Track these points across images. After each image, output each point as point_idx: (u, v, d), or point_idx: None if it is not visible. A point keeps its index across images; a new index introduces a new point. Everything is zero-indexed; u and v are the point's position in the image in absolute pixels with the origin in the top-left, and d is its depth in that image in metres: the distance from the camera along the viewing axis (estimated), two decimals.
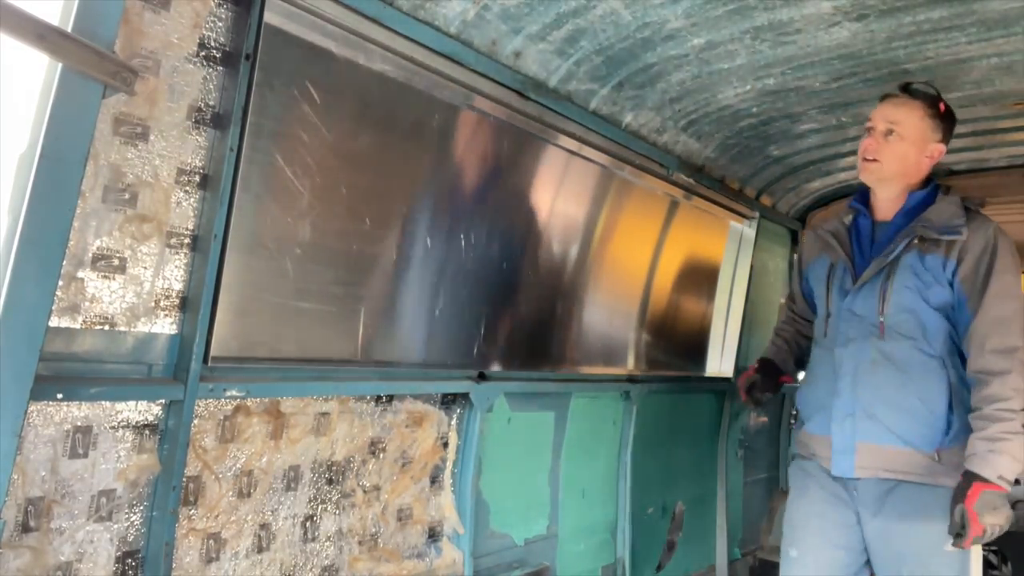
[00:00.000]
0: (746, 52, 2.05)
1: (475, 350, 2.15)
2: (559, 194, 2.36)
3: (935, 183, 1.93)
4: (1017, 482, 1.70)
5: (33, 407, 1.26)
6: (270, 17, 1.50)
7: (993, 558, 3.12)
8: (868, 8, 1.77)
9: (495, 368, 2.21)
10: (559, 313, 2.47)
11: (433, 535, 2.12)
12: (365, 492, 1.91)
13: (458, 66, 1.90)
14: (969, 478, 1.65)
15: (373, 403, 1.92)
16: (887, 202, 1.93)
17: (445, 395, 2.12)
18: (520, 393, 2.33)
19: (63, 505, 1.34)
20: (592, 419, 2.67)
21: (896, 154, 1.85)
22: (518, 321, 2.30)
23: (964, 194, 1.89)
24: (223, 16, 1.49)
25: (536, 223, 2.30)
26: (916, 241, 1.81)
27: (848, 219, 2.03)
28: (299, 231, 1.63)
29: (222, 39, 1.50)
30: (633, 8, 1.85)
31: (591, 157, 2.40)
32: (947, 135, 1.90)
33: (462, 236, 2.05)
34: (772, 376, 2.23)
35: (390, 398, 1.96)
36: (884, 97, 1.90)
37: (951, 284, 1.78)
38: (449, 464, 2.14)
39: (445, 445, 2.13)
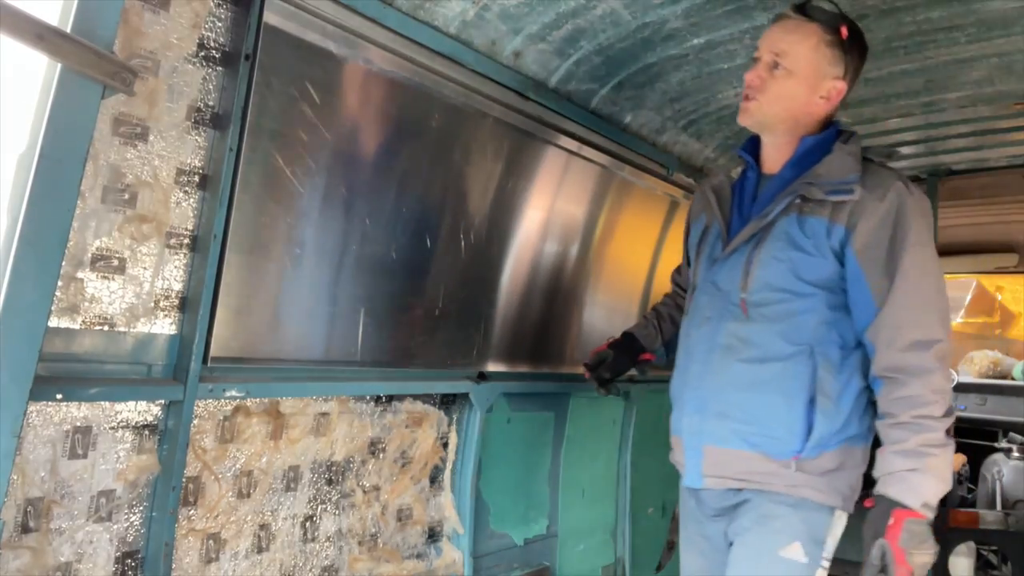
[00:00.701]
0: (746, 52, 2.05)
1: (475, 350, 2.15)
2: (559, 194, 2.36)
3: (836, 127, 1.56)
4: None
5: (32, 407, 1.26)
6: (270, 17, 1.50)
7: (993, 558, 3.12)
8: (868, 8, 1.77)
9: (495, 368, 2.21)
10: (559, 313, 2.47)
11: (433, 535, 2.12)
12: (365, 492, 1.91)
13: (458, 66, 1.90)
14: (886, 505, 1.32)
15: (373, 403, 1.92)
16: (775, 150, 1.57)
17: (445, 395, 2.12)
18: (520, 393, 2.33)
19: (63, 506, 1.34)
20: (592, 419, 2.67)
21: (780, 93, 1.49)
22: (518, 321, 2.30)
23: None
24: (222, 16, 1.49)
25: (536, 223, 2.30)
26: (798, 201, 1.46)
27: (737, 172, 1.68)
28: (299, 231, 1.63)
29: (221, 39, 1.50)
30: (633, 8, 1.85)
31: (591, 157, 2.39)
32: (851, 70, 1.51)
33: (462, 236, 2.05)
34: (630, 353, 1.87)
35: (390, 398, 1.96)
36: (777, 18, 1.55)
37: (840, 257, 1.42)
38: (449, 464, 2.14)
39: (445, 445, 2.13)
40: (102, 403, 1.38)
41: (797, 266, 1.45)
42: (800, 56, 1.48)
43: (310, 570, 1.78)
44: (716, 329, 1.54)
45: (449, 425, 2.14)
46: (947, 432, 1.33)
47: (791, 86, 1.49)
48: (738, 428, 1.48)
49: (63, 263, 1.11)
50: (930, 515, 1.31)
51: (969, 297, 6.26)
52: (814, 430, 1.42)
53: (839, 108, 1.56)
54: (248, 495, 1.64)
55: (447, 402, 2.14)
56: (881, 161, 1.52)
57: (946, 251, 3.80)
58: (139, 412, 1.45)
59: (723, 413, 1.50)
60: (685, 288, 1.91)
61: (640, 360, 1.94)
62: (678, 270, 2.01)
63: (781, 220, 1.47)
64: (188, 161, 1.48)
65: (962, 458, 4.22)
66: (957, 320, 6.29)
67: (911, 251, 1.38)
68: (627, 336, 1.94)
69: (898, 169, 1.50)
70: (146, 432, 1.46)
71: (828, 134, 1.53)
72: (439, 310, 2.01)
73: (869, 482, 1.47)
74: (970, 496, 4.05)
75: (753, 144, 1.64)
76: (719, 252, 1.58)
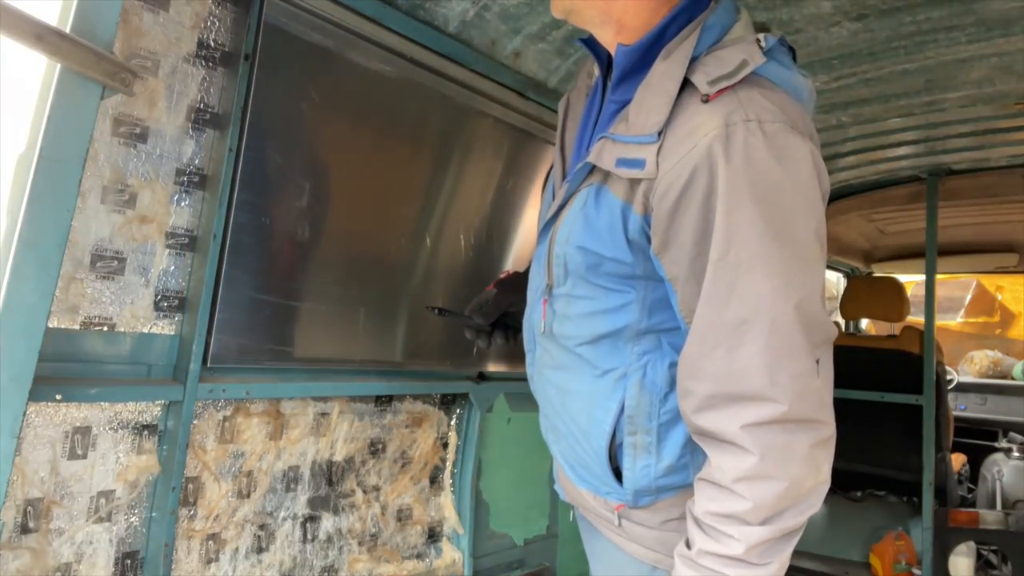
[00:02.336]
0: None
1: (475, 350, 2.14)
2: None
3: (683, 12, 0.98)
4: None
5: (32, 408, 1.26)
6: (270, 17, 1.50)
7: (993, 558, 3.12)
8: (868, 8, 1.77)
9: (495, 368, 2.21)
10: None
11: (433, 535, 2.12)
12: (365, 492, 1.91)
13: (457, 66, 1.90)
14: None
15: (373, 403, 1.92)
16: (611, 54, 1.07)
17: (445, 395, 2.12)
18: (520, 393, 2.33)
19: (62, 506, 1.34)
20: None
21: None
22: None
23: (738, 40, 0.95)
24: (222, 16, 1.49)
25: (536, 222, 2.29)
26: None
27: (597, 73, 1.15)
28: (299, 231, 1.63)
29: (221, 39, 1.50)
30: None
31: None
32: None
33: (462, 235, 2.05)
34: (524, 290, 1.27)
35: (390, 398, 1.96)
36: None
37: (647, 254, 0.96)
38: (449, 464, 2.14)
39: (445, 445, 2.13)
40: (102, 403, 1.38)
41: (592, 255, 1.01)
42: None
43: (310, 570, 1.78)
44: (532, 320, 1.18)
45: (449, 425, 2.14)
46: (770, 545, 0.86)
47: None
48: (566, 452, 1.14)
49: (63, 263, 1.11)
50: None
51: (969, 297, 6.27)
52: (625, 476, 1.03)
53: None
54: (248, 495, 1.64)
55: (447, 402, 2.14)
56: (713, 89, 0.89)
57: (946, 251, 3.81)
58: (139, 412, 1.45)
59: (554, 427, 1.16)
60: None
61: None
62: None
63: (586, 186, 1.03)
64: (188, 161, 1.47)
65: (962, 458, 4.23)
66: (957, 320, 6.29)
67: (717, 253, 0.87)
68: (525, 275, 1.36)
69: (745, 94, 0.89)
70: (146, 432, 1.46)
71: (651, 36, 0.98)
72: (439, 310, 2.01)
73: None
74: (970, 496, 4.06)
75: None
76: (550, 209, 1.12)
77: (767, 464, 0.84)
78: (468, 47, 1.90)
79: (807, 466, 0.85)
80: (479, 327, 1.39)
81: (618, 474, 1.04)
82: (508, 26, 1.89)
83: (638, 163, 0.93)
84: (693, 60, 0.94)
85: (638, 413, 1.01)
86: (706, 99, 0.89)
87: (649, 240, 0.95)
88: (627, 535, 1.07)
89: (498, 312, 1.38)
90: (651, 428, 1.01)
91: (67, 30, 1.04)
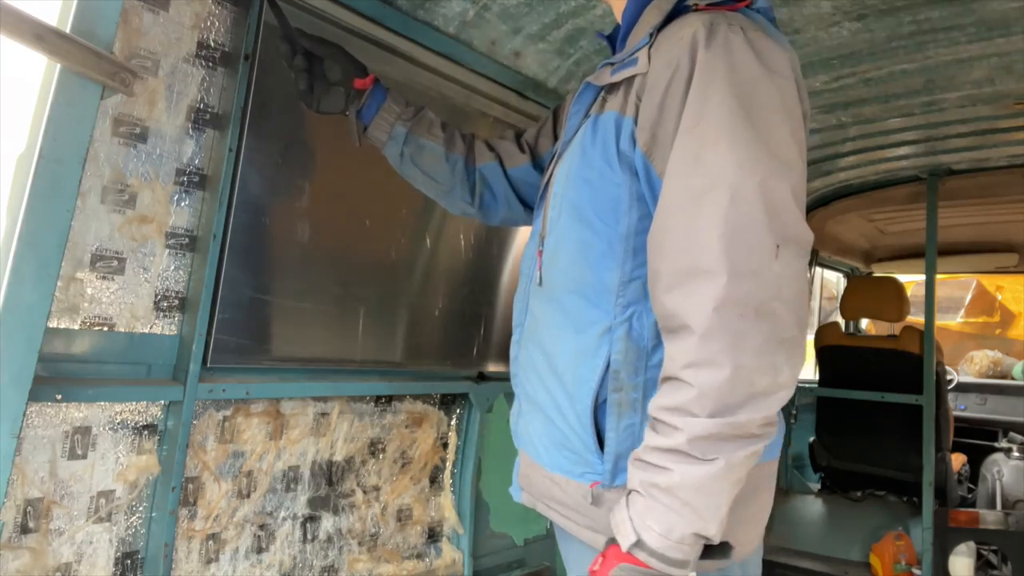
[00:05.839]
0: None
1: (475, 350, 2.15)
2: None
3: None
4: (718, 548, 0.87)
5: (32, 408, 1.26)
6: (270, 17, 1.50)
7: (993, 558, 3.12)
8: (868, 8, 1.77)
9: (495, 368, 2.21)
10: None
11: (433, 535, 2.12)
12: (365, 492, 1.91)
13: (457, 66, 1.90)
14: (609, 539, 0.89)
15: (373, 403, 1.92)
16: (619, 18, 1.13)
17: (445, 395, 2.12)
18: None
19: (62, 506, 1.34)
20: None
21: None
22: None
23: None
24: (222, 16, 1.49)
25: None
26: (603, 93, 1.05)
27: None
28: (299, 231, 1.63)
29: (221, 39, 1.50)
30: None
31: None
32: None
33: (461, 236, 2.05)
34: (353, 66, 1.34)
35: (390, 398, 1.96)
36: None
37: (634, 167, 0.96)
38: (449, 464, 2.14)
39: (445, 445, 2.13)
40: (102, 403, 1.38)
41: (585, 191, 1.01)
42: None
43: (310, 570, 1.78)
44: (527, 287, 1.17)
45: (449, 425, 2.14)
46: (716, 441, 0.80)
47: None
48: (542, 431, 1.07)
49: (63, 263, 1.11)
50: (657, 564, 0.81)
51: (969, 297, 6.27)
52: (607, 439, 0.97)
53: None
54: (248, 495, 1.64)
55: (447, 402, 2.14)
56: (703, 1, 0.96)
57: (946, 251, 3.81)
58: (139, 412, 1.45)
59: (531, 405, 1.11)
60: (499, 150, 1.45)
61: (353, 84, 1.36)
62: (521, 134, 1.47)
63: (584, 124, 1.06)
64: (188, 161, 1.47)
65: (962, 458, 4.23)
66: (957, 320, 6.29)
67: (686, 125, 0.88)
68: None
69: (732, 13, 0.94)
70: (146, 432, 1.46)
71: None
72: (439, 310, 2.01)
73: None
74: (970, 496, 4.06)
75: None
76: (546, 172, 1.18)
77: (712, 346, 0.80)
78: (468, 47, 1.90)
79: (759, 360, 0.80)
80: (291, 39, 1.35)
81: (601, 441, 0.99)
82: (508, 26, 1.89)
83: (632, 62, 0.98)
84: None
85: (624, 368, 0.97)
86: (695, 8, 0.95)
87: (634, 144, 0.95)
88: (598, 527, 0.98)
89: (313, 46, 1.35)
90: (637, 384, 0.97)
91: (67, 30, 1.04)
